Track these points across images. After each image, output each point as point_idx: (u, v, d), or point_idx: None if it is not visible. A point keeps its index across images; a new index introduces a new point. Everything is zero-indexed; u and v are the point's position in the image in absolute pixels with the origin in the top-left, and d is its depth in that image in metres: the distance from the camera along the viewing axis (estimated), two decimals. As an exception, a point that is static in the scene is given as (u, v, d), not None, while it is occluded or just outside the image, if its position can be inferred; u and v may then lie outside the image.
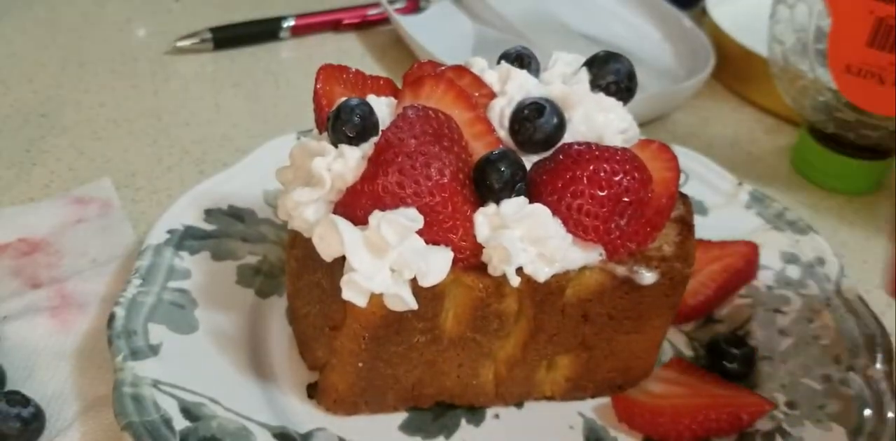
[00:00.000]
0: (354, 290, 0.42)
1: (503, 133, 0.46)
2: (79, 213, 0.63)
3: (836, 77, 0.67)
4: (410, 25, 0.85)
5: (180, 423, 0.46)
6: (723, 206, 0.65)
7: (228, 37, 0.86)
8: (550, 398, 0.53)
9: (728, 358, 0.54)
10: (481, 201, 0.44)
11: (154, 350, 0.50)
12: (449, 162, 0.42)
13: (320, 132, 0.49)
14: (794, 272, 0.60)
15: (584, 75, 0.49)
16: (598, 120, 0.47)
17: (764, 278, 0.60)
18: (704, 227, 0.62)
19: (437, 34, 0.86)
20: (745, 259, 0.59)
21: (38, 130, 0.73)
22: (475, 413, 0.53)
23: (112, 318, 0.50)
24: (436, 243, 0.43)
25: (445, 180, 0.42)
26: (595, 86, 0.49)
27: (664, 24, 0.91)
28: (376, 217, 0.42)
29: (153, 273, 0.54)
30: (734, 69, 0.85)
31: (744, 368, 0.54)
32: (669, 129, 0.82)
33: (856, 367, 0.53)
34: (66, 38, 0.85)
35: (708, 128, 0.83)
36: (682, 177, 0.66)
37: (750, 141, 0.82)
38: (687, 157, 0.68)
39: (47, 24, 0.87)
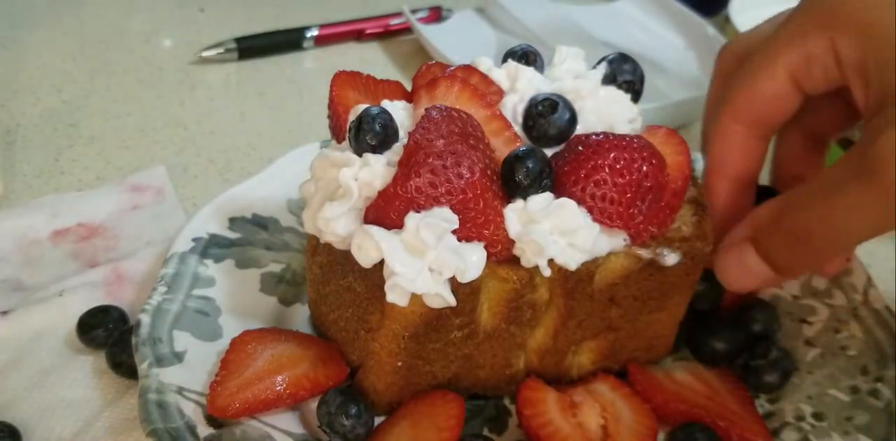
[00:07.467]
0: (397, 293, 0.43)
1: (517, 128, 0.48)
2: (134, 200, 0.67)
3: (862, 84, 0.66)
4: (433, 34, 0.86)
5: (204, 429, 0.47)
6: (748, 215, 0.65)
7: (253, 47, 0.86)
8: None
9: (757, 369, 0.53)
10: (509, 196, 0.45)
11: (179, 357, 0.50)
12: (477, 159, 0.43)
13: (338, 141, 0.50)
14: (820, 282, 0.59)
15: (600, 70, 0.51)
16: (608, 110, 0.49)
17: (789, 288, 0.59)
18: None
19: (460, 43, 0.86)
20: None
21: (66, 140, 0.74)
22: (497, 422, 0.53)
23: (138, 325, 0.51)
24: (469, 239, 0.44)
25: (476, 177, 0.43)
26: (610, 81, 0.51)
27: (687, 33, 0.91)
28: (413, 219, 0.42)
29: (178, 281, 0.55)
30: (758, 77, 0.85)
31: (773, 379, 0.53)
32: (693, 137, 0.81)
33: (885, 378, 0.52)
34: (93, 50, 0.87)
35: (732, 136, 0.82)
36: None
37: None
38: (711, 166, 0.67)
39: (75, 35, 0.88)
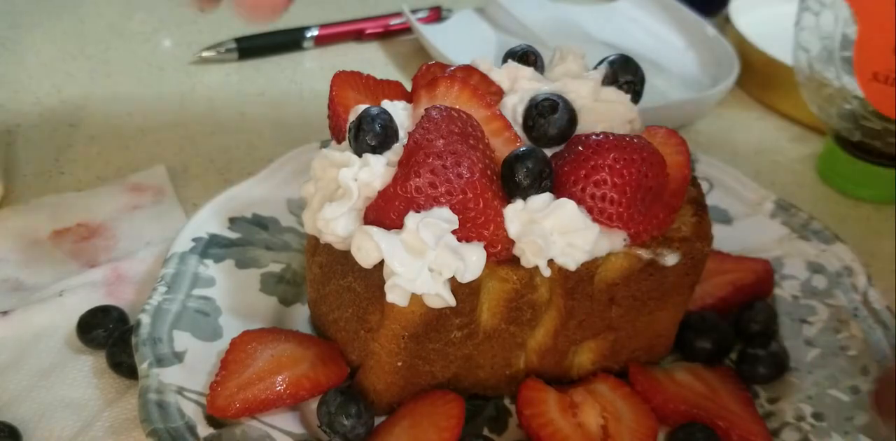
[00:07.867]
0: (397, 293, 0.43)
1: (517, 128, 0.48)
2: (135, 200, 0.67)
3: (862, 85, 0.66)
4: (433, 35, 0.86)
5: (204, 429, 0.46)
6: (748, 216, 0.65)
7: (253, 47, 0.86)
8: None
9: (752, 361, 0.53)
10: (509, 196, 0.45)
11: (179, 357, 0.50)
12: (477, 159, 0.43)
13: (338, 141, 0.50)
14: (820, 282, 0.59)
15: (601, 70, 0.51)
16: (608, 110, 0.49)
17: (789, 288, 0.59)
18: (729, 237, 0.61)
19: (460, 43, 0.86)
20: (755, 275, 0.59)
21: (66, 140, 0.74)
22: (497, 422, 0.53)
23: (138, 325, 0.51)
24: (469, 239, 0.44)
25: (475, 177, 0.43)
26: (612, 82, 0.51)
27: (688, 33, 0.91)
28: (413, 219, 0.42)
29: (178, 281, 0.55)
30: (758, 77, 0.85)
31: (769, 371, 0.53)
32: (693, 138, 0.82)
33: (884, 378, 0.52)
34: (93, 49, 0.87)
35: (732, 136, 0.82)
36: (707, 186, 0.66)
37: (775, 150, 0.81)
38: (711, 167, 0.68)
39: (76, 35, 0.88)
